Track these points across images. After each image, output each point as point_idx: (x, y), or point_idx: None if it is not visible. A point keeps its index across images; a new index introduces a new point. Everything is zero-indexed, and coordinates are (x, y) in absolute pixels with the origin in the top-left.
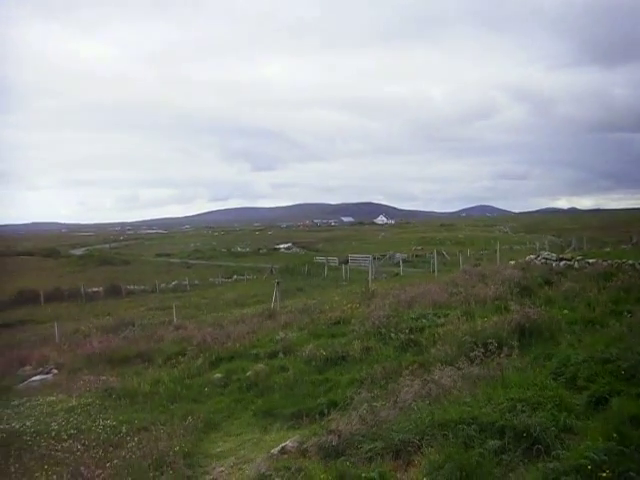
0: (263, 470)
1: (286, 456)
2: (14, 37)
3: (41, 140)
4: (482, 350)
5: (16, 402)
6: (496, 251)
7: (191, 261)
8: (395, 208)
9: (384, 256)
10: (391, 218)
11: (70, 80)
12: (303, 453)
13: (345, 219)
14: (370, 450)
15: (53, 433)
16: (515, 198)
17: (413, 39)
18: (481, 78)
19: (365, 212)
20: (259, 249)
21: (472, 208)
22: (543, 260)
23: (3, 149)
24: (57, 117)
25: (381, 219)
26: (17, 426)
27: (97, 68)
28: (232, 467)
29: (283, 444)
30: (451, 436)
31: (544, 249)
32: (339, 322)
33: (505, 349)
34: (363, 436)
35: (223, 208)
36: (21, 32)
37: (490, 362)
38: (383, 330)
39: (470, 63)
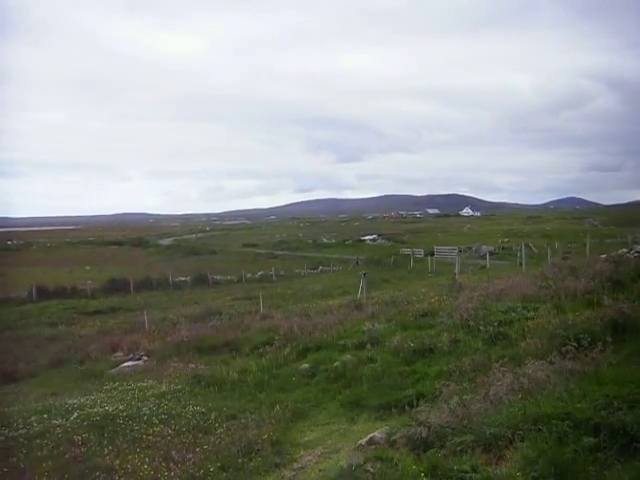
0: (354, 460)
1: (374, 447)
2: (100, 31)
3: (130, 132)
4: (574, 344)
5: (109, 386)
6: (585, 244)
7: (277, 252)
8: (481, 200)
9: (470, 248)
10: (477, 210)
11: (156, 73)
12: (391, 444)
13: (431, 211)
14: (460, 443)
15: (145, 417)
16: (606, 190)
17: (501, 26)
18: (571, 66)
19: (451, 204)
20: (345, 240)
21: (560, 200)
22: (636, 254)
23: (95, 141)
24: (144, 109)
25: (467, 211)
26: (110, 409)
27: (182, 60)
28: (320, 456)
29: (371, 435)
30: (545, 431)
31: (637, 242)
32: (426, 314)
33: (599, 344)
34: (453, 429)
35: (308, 199)
36: (107, 27)
37: (583, 357)
38: (471, 323)
39: (559, 50)
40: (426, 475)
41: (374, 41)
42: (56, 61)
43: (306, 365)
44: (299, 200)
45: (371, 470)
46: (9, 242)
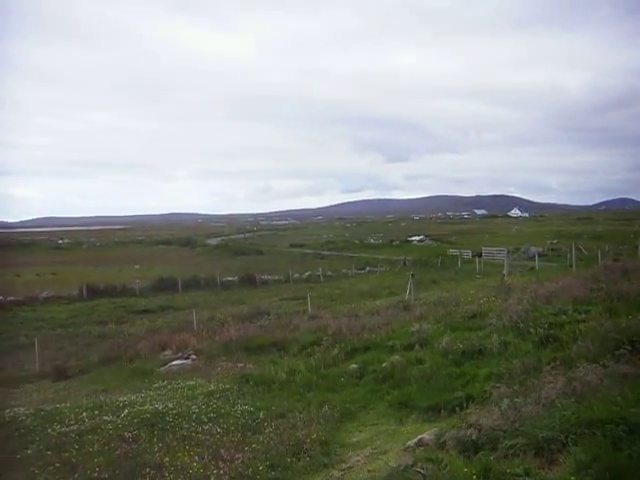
0: (404, 461)
1: (423, 448)
2: (149, 33)
3: (179, 132)
4: (629, 348)
5: (158, 384)
6: (637, 246)
7: (324, 252)
8: (529, 201)
9: (518, 249)
10: (525, 211)
11: (205, 73)
12: (441, 446)
13: (478, 212)
14: (512, 446)
15: (194, 416)
16: None
17: (551, 24)
18: (621, 64)
19: (498, 205)
20: (392, 241)
21: (611, 201)
22: None
23: (144, 142)
24: (193, 110)
25: (515, 212)
26: (160, 407)
27: (230, 61)
28: (368, 457)
29: (420, 436)
30: (599, 436)
31: None
32: (475, 315)
33: None
34: (504, 432)
35: (356, 199)
36: (156, 28)
37: (637, 361)
38: (521, 325)
39: (610, 48)
40: (478, 477)
41: (422, 40)
42: (106, 63)
43: (354, 366)
44: (346, 200)
45: (422, 471)
46: (60, 241)
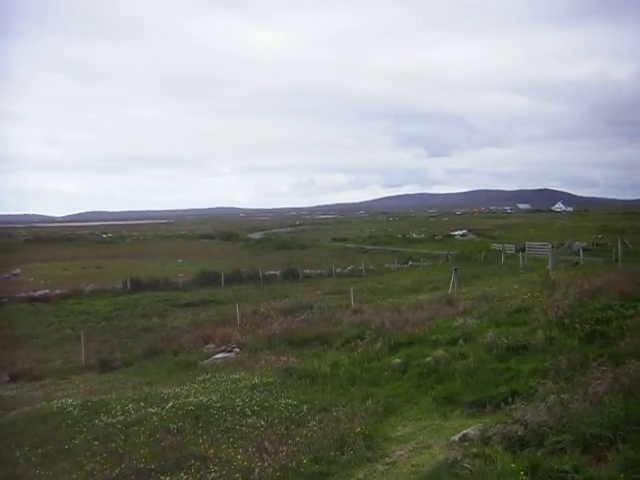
0: (450, 456)
1: (468, 444)
2: (195, 29)
3: (223, 127)
4: None
5: (202, 377)
6: None
7: (366, 246)
8: (573, 195)
9: (562, 244)
10: (569, 205)
11: (249, 69)
12: (486, 442)
13: (521, 206)
14: (558, 443)
15: (237, 409)
16: None
17: (594, 15)
18: None
19: (542, 199)
20: (434, 235)
21: None
22: None
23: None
24: (237, 105)
25: (559, 206)
26: (204, 400)
27: (274, 56)
28: (412, 451)
29: (464, 431)
30: None
31: None
32: (519, 310)
33: None
34: (550, 428)
35: (398, 194)
36: (202, 24)
37: None
38: (566, 320)
39: None
40: (526, 474)
41: (468, 33)
42: (151, 60)
43: (398, 360)
44: (388, 195)
45: (469, 467)
46: (104, 235)
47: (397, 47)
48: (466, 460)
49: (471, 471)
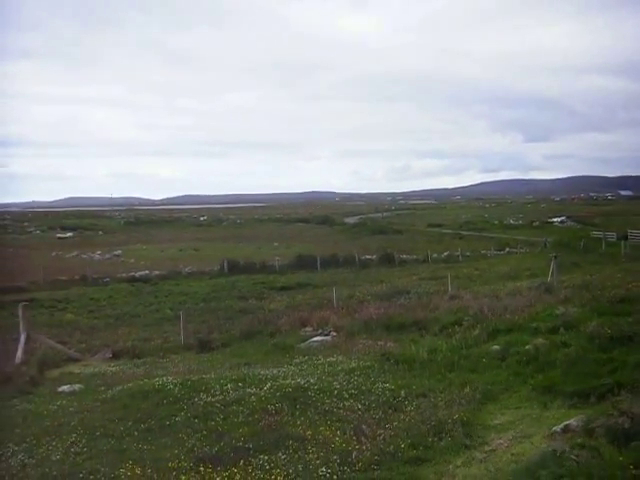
0: (552, 446)
1: (569, 435)
2: (292, 14)
3: (318, 112)
4: None
5: (298, 360)
6: None
7: (462, 232)
8: None
9: None
10: None
11: (345, 53)
12: (589, 433)
13: (623, 193)
14: None
15: (335, 392)
16: None
17: None
18: None
19: None
20: (532, 222)
21: None
22: None
23: (284, 121)
24: (333, 89)
25: None
26: (302, 382)
27: (368, 40)
28: (511, 440)
29: (566, 422)
30: None
31: None
32: (624, 300)
33: None
34: None
35: (494, 179)
36: (298, 9)
37: None
38: None
39: None
40: (635, 467)
41: (567, 16)
42: (248, 45)
43: (496, 347)
44: (484, 180)
45: (575, 458)
46: (201, 218)
47: (493, 30)
48: (574, 451)
49: (577, 462)
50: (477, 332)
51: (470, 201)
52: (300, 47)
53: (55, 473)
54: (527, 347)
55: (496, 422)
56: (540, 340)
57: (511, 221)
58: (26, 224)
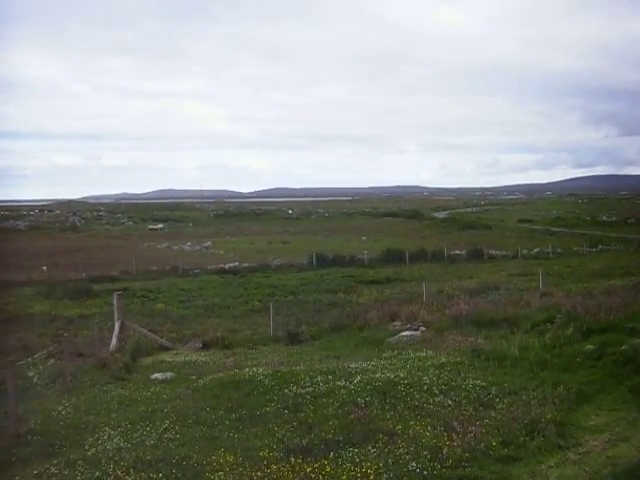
0: None
1: None
2: (381, 7)
3: (406, 105)
4: None
5: (387, 354)
6: None
7: (553, 228)
8: None
9: None
10: None
11: (432, 46)
12: None
13: None
14: None
15: (425, 387)
16: None
17: None
18: None
19: None
20: (627, 218)
21: None
22: None
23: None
24: (421, 82)
25: None
26: (392, 376)
27: (458, 33)
28: (607, 442)
29: None
30: None
31: None
32: None
33: None
34: None
35: (587, 174)
36: (386, 2)
37: None
38: None
39: None
40: None
41: None
42: (339, 38)
43: (590, 346)
44: (577, 175)
45: None
46: (290, 211)
47: (589, 20)
48: None
49: None
50: (570, 330)
51: (562, 197)
52: (390, 40)
53: (149, 457)
54: (623, 347)
55: (590, 423)
56: (637, 341)
57: (604, 218)
58: (119, 215)
